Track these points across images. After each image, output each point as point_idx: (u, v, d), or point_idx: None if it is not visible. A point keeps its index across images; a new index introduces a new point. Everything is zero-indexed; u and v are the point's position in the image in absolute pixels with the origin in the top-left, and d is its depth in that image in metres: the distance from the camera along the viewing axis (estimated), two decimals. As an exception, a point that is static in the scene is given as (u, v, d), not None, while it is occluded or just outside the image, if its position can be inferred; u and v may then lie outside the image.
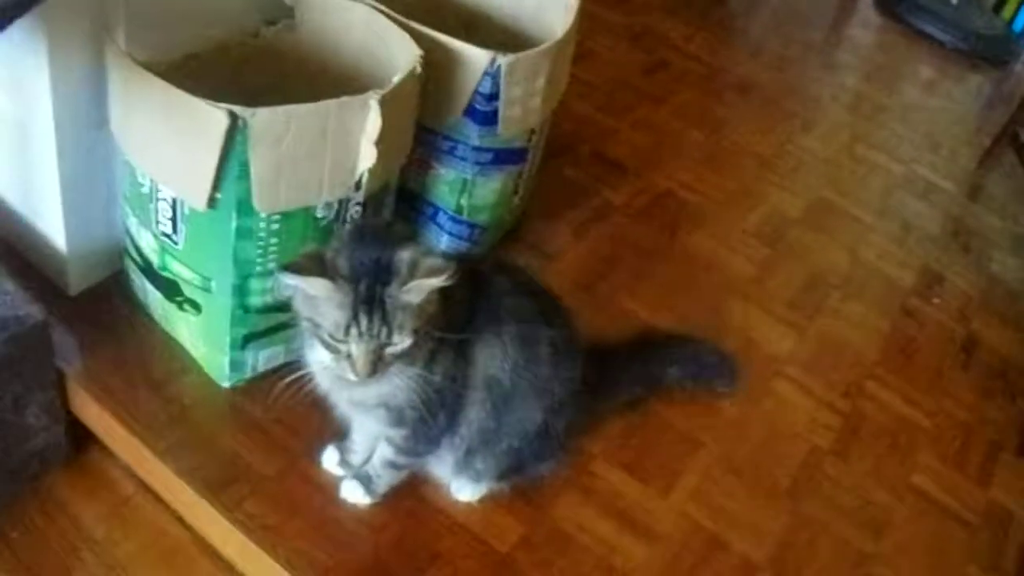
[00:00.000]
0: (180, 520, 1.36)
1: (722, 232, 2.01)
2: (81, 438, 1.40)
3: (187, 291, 1.32)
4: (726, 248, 1.97)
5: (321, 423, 1.28)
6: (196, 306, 1.32)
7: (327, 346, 1.05)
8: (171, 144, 1.20)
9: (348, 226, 1.12)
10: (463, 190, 1.56)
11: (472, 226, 1.59)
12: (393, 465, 1.26)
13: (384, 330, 1.03)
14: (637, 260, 1.84)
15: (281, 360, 1.38)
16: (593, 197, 1.97)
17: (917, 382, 1.79)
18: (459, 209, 1.58)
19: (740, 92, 2.64)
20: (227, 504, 1.24)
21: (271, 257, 1.25)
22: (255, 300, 1.29)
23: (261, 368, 1.38)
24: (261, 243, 1.23)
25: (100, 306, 1.45)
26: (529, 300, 1.22)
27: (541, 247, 1.77)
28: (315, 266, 1.03)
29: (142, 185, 1.26)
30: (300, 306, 1.08)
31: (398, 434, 1.21)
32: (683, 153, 2.23)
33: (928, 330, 1.94)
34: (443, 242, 1.60)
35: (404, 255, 1.03)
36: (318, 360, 1.10)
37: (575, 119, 2.17)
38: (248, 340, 1.33)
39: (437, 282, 1.03)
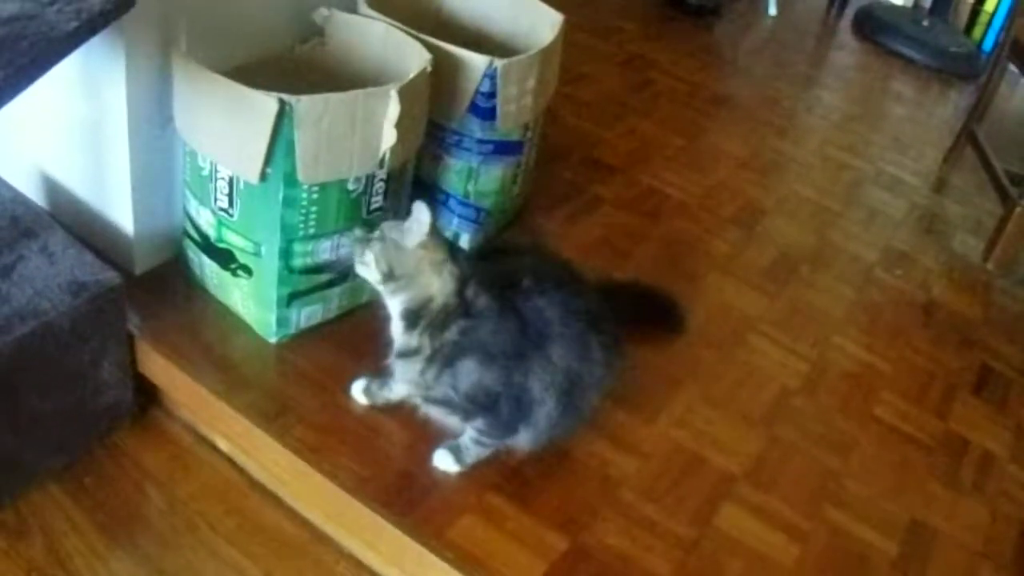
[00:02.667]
0: (232, 463, 1.59)
1: (701, 219, 2.25)
2: (145, 400, 1.63)
3: (240, 258, 1.56)
4: (704, 231, 2.20)
5: (355, 367, 1.53)
6: (248, 271, 1.56)
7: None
8: (229, 130, 1.45)
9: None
10: (469, 177, 1.81)
11: (478, 210, 1.85)
12: (479, 444, 1.43)
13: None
14: (623, 241, 2.09)
15: (319, 319, 1.63)
16: (585, 193, 2.22)
17: (880, 337, 2.01)
18: (467, 194, 1.83)
19: (719, 105, 2.90)
20: (278, 431, 1.47)
21: (311, 223, 1.50)
22: (298, 262, 1.53)
23: (303, 325, 1.62)
24: (303, 211, 1.48)
25: (161, 282, 1.68)
26: (556, 291, 1.39)
27: (538, 232, 2.01)
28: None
29: (203, 169, 1.51)
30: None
31: (473, 425, 1.41)
32: (666, 156, 2.48)
33: (891, 296, 2.17)
34: (454, 224, 1.85)
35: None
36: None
37: (570, 131, 2.44)
38: (292, 298, 1.57)
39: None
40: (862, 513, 1.58)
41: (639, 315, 1.75)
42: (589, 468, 1.54)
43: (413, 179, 1.73)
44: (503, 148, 1.81)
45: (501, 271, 1.39)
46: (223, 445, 1.62)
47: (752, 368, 1.83)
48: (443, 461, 1.44)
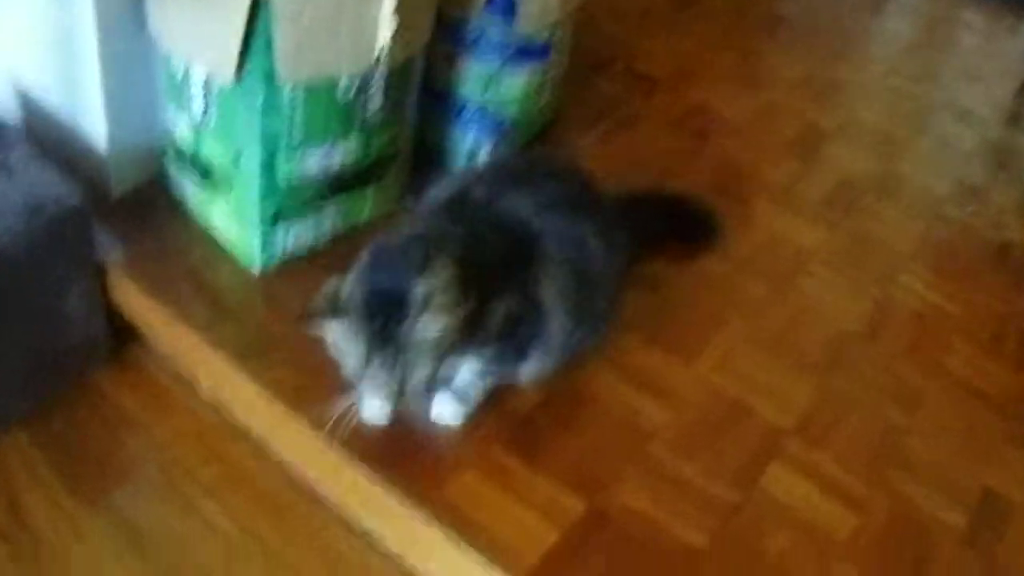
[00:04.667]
0: (214, 407, 1.40)
1: (753, 141, 2.01)
2: (121, 338, 1.45)
3: (219, 171, 1.37)
4: (757, 154, 1.97)
5: None
6: (227, 186, 1.37)
7: (353, 383, 1.09)
8: (201, 25, 1.26)
9: (368, 250, 1.11)
10: (488, 84, 1.59)
11: (499, 121, 1.63)
12: (483, 375, 1.23)
13: (399, 368, 1.05)
14: (666, 163, 1.86)
15: (311, 241, 1.43)
16: (623, 108, 1.99)
17: (950, 277, 1.78)
18: (486, 103, 1.61)
19: (775, 24, 2.64)
20: (257, 371, 1.29)
21: (296, 132, 1.29)
22: (283, 175, 1.33)
23: (292, 249, 1.42)
24: (287, 117, 1.28)
25: (139, 206, 1.50)
26: (562, 209, 1.22)
27: (567, 149, 1.79)
28: (327, 308, 1.07)
29: (176, 73, 1.33)
30: (332, 349, 1.11)
31: (480, 354, 1.20)
32: (715, 73, 2.24)
33: (962, 234, 1.93)
34: (470, 137, 1.63)
35: (418, 289, 1.02)
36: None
37: (608, 40, 2.20)
38: (277, 217, 1.37)
39: (452, 318, 1.04)
40: (927, 479, 1.36)
41: (666, 227, 1.57)
42: (613, 416, 1.33)
43: (422, 85, 1.51)
44: (527, 52, 1.59)
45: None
46: (205, 386, 1.43)
47: (806, 307, 1.61)
48: (445, 408, 1.24)
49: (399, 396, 1.09)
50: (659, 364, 1.42)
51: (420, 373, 1.08)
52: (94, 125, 1.45)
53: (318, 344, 1.25)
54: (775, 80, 2.31)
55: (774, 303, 1.60)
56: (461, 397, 1.24)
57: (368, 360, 1.06)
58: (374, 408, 1.15)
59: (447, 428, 1.24)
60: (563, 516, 1.19)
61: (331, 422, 1.16)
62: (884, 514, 1.31)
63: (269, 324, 1.37)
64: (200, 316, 1.35)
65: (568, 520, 1.19)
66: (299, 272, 1.42)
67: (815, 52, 2.50)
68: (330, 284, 1.10)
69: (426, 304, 1.02)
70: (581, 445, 1.28)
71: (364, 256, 1.10)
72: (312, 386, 1.24)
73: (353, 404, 1.15)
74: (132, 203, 1.51)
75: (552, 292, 1.19)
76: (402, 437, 1.22)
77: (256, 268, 1.42)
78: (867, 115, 2.27)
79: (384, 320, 1.04)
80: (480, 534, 1.15)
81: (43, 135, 1.52)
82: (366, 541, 1.26)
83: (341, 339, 1.08)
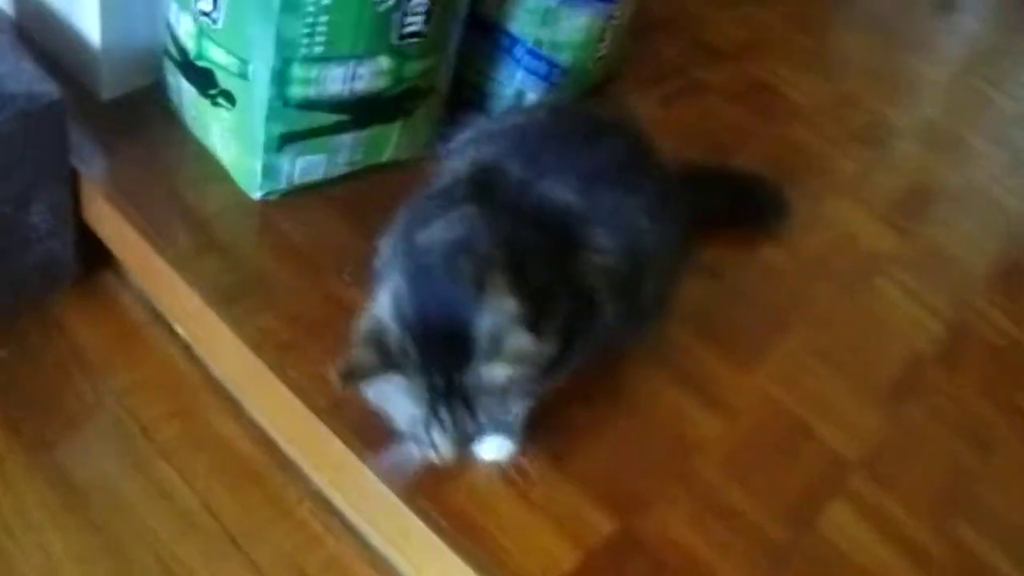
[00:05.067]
0: (190, 353, 1.20)
1: (822, 128, 1.79)
2: (90, 264, 1.26)
3: (222, 80, 1.16)
4: (826, 143, 1.75)
5: (364, 247, 1.03)
6: (230, 98, 1.16)
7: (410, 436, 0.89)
8: None
9: (405, 270, 0.89)
10: (544, 21, 1.38)
11: (552, 64, 1.41)
12: (533, 394, 0.96)
13: (469, 419, 0.86)
14: (728, 137, 1.65)
15: (321, 175, 1.22)
16: (686, 74, 1.77)
17: (1027, 308, 1.55)
18: (538, 43, 1.40)
19: (850, 7, 2.43)
20: (237, 317, 1.08)
21: (318, 40, 1.09)
22: (296, 91, 1.12)
23: (297, 180, 1.21)
24: (309, 20, 1.07)
25: (129, 113, 1.30)
26: (612, 180, 1.01)
27: (624, 109, 1.56)
28: (377, 360, 0.84)
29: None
30: (371, 393, 0.90)
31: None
32: (785, 52, 2.02)
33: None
34: (517, 79, 1.42)
35: (484, 326, 0.82)
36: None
37: (673, 5, 1.98)
38: (285, 141, 1.16)
39: (525, 370, 0.84)
40: (996, 533, 1.16)
41: (729, 207, 1.37)
42: (657, 421, 1.13)
43: (470, 13, 1.30)
44: (592, -11, 1.35)
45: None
46: (181, 328, 1.22)
47: (879, 319, 1.41)
48: (495, 449, 0.96)
49: (470, 440, 0.89)
50: (714, 367, 1.21)
51: (496, 412, 0.88)
52: (88, 16, 1.25)
53: (314, 292, 1.05)
54: (847, 67, 2.09)
55: (844, 311, 1.39)
56: (509, 431, 0.98)
57: (434, 413, 0.86)
58: (443, 453, 0.91)
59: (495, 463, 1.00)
60: (588, 535, 0.99)
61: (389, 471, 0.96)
62: (949, 571, 1.10)
63: (261, 263, 1.17)
64: (183, 245, 1.15)
65: (594, 540, 0.99)
66: (303, 207, 1.22)
67: (890, 43, 2.26)
68: (369, 320, 0.88)
69: (494, 347, 0.82)
70: (618, 452, 1.08)
71: (407, 273, 0.88)
72: (303, 345, 1.04)
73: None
74: (122, 109, 1.30)
75: (603, 281, 0.98)
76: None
77: (255, 196, 1.20)
78: (941, 116, 2.05)
79: (447, 368, 0.84)
80: (484, 545, 0.95)
81: (32, 25, 1.34)
82: (346, 527, 1.05)
83: (393, 394, 0.87)
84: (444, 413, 0.85)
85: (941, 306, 1.47)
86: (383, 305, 0.88)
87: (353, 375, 0.85)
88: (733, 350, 1.24)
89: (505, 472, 0.98)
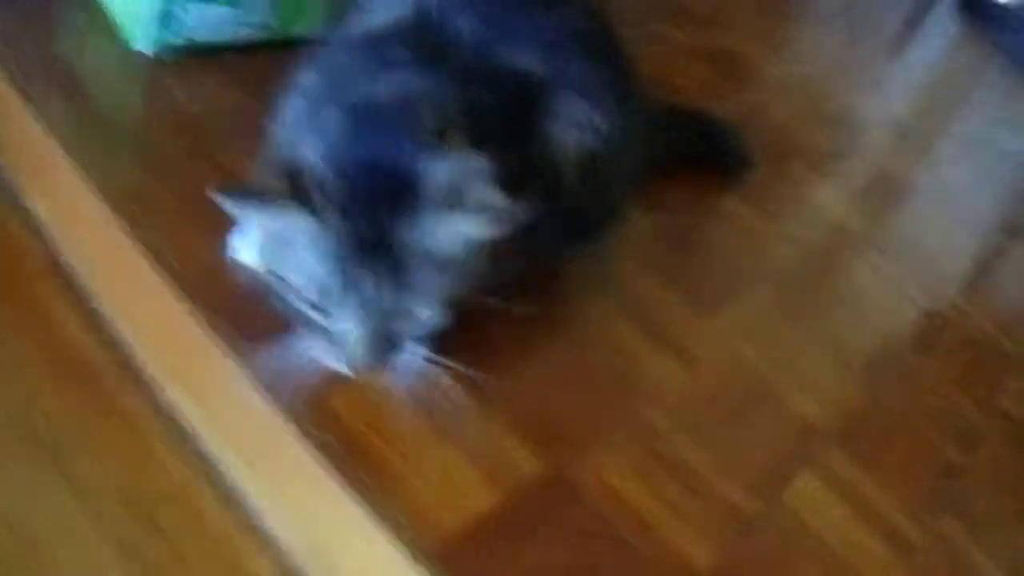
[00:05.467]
0: (48, 250, 0.95)
1: (791, 103, 1.65)
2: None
3: None
4: (794, 118, 1.60)
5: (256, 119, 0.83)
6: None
7: (306, 319, 0.68)
8: None
9: (349, 111, 0.71)
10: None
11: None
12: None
13: (393, 291, 0.65)
14: (695, 94, 1.48)
15: (227, 37, 0.99)
16: (645, 26, 1.59)
17: (1006, 311, 1.43)
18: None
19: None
20: (110, 189, 0.86)
21: None
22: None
23: (198, 38, 0.99)
24: None
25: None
26: (576, 47, 0.84)
27: None
28: (287, 191, 0.65)
29: None
30: (261, 252, 0.68)
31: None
32: (755, 30, 1.87)
33: (1018, 265, 1.59)
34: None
35: (441, 176, 0.66)
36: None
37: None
38: (185, -19, 0.94)
39: (491, 228, 0.66)
40: (981, 531, 1.00)
41: (695, 142, 1.23)
42: (604, 358, 0.94)
43: None
44: None
45: None
46: (41, 211, 0.98)
47: (851, 292, 1.25)
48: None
49: (387, 345, 0.68)
50: (671, 309, 1.03)
51: (421, 310, 0.68)
52: None
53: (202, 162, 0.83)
54: (816, 53, 1.96)
55: (811, 277, 1.23)
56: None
57: (346, 278, 0.64)
58: (354, 342, 0.68)
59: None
60: (510, 475, 0.79)
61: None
62: (934, 565, 0.93)
63: (147, 130, 0.96)
64: (54, 109, 0.92)
65: (516, 481, 0.78)
66: (199, 71, 1.00)
67: (860, 41, 2.13)
68: (275, 140, 0.71)
69: (451, 198, 0.65)
70: (550, 385, 0.88)
71: (348, 107, 0.69)
72: (194, 228, 0.81)
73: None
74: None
75: (572, 159, 0.81)
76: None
77: (147, 49, 0.99)
78: (909, 114, 1.92)
79: (376, 213, 0.64)
80: (381, 477, 0.74)
81: None
82: (197, 453, 0.82)
83: (298, 242, 0.65)
84: (364, 276, 0.64)
85: (916, 295, 1.32)
86: (307, 145, 0.68)
87: (246, 196, 0.64)
88: (693, 295, 1.06)
89: (413, 391, 0.75)
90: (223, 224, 0.72)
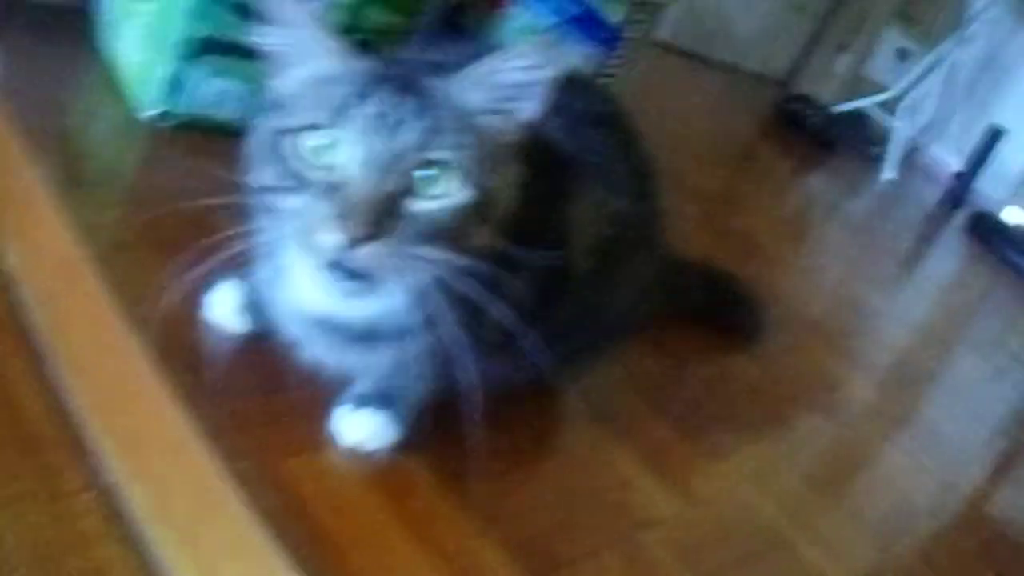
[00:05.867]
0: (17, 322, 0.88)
1: (792, 277, 1.65)
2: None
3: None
4: (797, 287, 1.58)
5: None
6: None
7: (288, 208, 0.58)
8: None
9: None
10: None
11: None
12: (432, 373, 0.70)
13: (414, 123, 0.57)
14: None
15: (234, 112, 0.97)
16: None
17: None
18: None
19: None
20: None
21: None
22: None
23: (200, 108, 0.97)
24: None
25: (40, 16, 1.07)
26: (599, 131, 0.81)
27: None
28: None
29: None
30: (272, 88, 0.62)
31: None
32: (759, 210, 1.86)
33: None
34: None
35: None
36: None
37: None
38: (203, 50, 0.93)
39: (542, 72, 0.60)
40: None
41: (705, 299, 1.16)
42: (597, 483, 0.86)
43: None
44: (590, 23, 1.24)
45: None
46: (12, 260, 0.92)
47: (867, 458, 1.18)
48: (363, 428, 0.72)
49: (384, 215, 0.56)
50: (676, 449, 0.95)
51: (442, 156, 0.58)
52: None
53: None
54: (832, 250, 1.99)
55: (824, 439, 1.16)
56: (394, 409, 0.72)
57: (368, 84, 0.58)
58: (349, 203, 0.56)
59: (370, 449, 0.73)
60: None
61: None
62: None
63: (136, 192, 0.92)
64: (48, 161, 0.88)
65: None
66: (199, 146, 0.96)
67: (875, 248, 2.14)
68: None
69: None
70: (541, 500, 0.80)
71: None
72: (171, 285, 0.74)
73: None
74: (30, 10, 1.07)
75: (584, 235, 0.75)
76: (268, 374, 0.71)
77: (152, 115, 0.97)
78: (923, 314, 1.90)
79: (413, 68, 0.61)
80: (326, 561, 0.64)
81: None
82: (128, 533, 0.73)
83: (321, 52, 0.60)
84: (385, 88, 0.57)
85: (931, 465, 1.24)
86: None
87: None
88: (697, 436, 0.98)
89: (378, 468, 0.68)
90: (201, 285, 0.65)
